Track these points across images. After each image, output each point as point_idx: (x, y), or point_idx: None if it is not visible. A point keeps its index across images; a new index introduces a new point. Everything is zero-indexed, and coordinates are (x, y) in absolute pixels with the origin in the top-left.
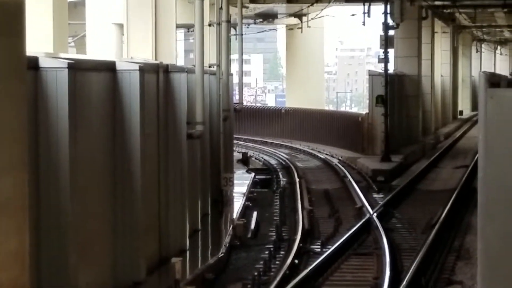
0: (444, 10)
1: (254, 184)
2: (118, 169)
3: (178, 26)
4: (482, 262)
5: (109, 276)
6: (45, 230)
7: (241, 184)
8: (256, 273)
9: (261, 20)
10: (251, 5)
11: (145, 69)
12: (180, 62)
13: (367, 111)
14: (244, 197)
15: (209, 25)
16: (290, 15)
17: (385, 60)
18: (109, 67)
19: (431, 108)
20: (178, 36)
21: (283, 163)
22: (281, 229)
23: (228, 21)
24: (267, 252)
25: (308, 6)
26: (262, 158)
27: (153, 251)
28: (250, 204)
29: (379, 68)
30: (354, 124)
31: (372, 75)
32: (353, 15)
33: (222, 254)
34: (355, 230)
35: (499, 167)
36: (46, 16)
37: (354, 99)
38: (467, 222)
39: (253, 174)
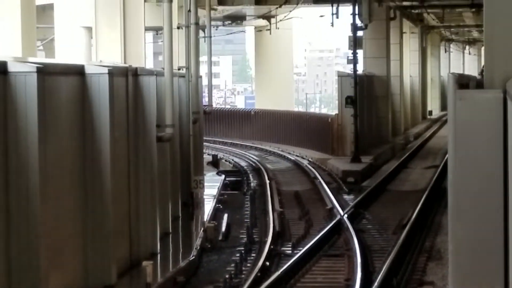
0: (412, 11)
1: (225, 186)
2: (88, 173)
3: (147, 29)
4: (453, 262)
5: (80, 279)
6: (15, 234)
7: (211, 187)
8: (227, 276)
9: (229, 22)
10: (220, 7)
11: (114, 73)
12: (149, 64)
13: (337, 112)
14: (215, 200)
15: (178, 27)
16: (259, 17)
17: (354, 61)
18: (78, 71)
19: (401, 108)
20: (147, 38)
21: (253, 165)
22: (252, 231)
23: (197, 24)
24: (238, 255)
25: (277, 8)
26: (232, 160)
27: (124, 254)
28: (221, 207)
29: (348, 69)
30: (323, 125)
31: (341, 76)
32: (321, 16)
33: (193, 257)
34: (326, 231)
35: (469, 169)
36: (14, 20)
37: (324, 100)
38: (438, 223)
39: (223, 176)
